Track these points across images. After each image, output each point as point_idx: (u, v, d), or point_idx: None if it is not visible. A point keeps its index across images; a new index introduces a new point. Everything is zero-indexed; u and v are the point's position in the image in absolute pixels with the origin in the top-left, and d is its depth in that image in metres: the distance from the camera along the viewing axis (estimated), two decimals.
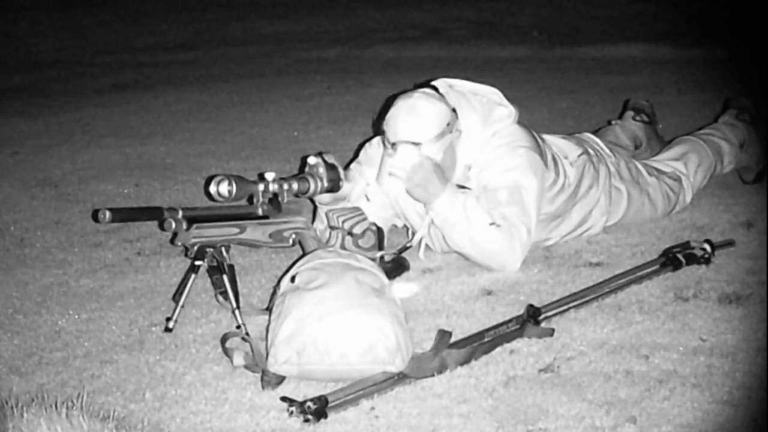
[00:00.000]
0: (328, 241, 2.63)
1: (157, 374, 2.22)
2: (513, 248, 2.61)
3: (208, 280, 2.50)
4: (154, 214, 2.33)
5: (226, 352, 2.23)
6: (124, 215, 2.32)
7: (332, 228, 2.64)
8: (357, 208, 2.71)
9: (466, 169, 2.69)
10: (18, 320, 2.57)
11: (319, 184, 2.57)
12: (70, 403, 1.95)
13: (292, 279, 2.25)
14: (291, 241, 2.52)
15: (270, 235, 2.48)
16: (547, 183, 2.72)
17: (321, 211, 2.72)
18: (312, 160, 2.58)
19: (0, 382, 2.22)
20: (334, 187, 2.59)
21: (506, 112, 2.72)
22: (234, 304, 2.37)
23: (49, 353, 2.37)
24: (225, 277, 2.38)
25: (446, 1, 7.50)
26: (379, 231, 2.71)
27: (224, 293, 2.39)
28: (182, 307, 2.42)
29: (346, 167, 2.97)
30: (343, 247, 2.61)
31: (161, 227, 2.37)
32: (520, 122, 2.75)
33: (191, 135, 4.36)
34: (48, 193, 3.61)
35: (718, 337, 2.23)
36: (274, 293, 2.41)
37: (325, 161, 2.58)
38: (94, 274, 2.87)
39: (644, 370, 2.10)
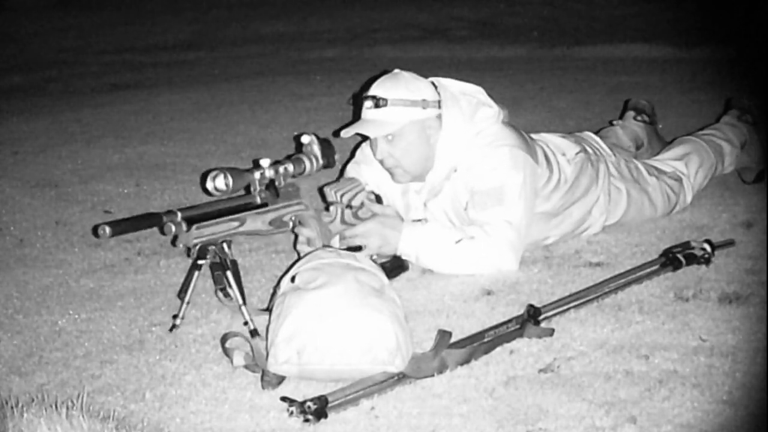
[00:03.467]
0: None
1: (157, 374, 2.22)
2: (498, 251, 2.61)
3: (209, 279, 2.50)
4: (153, 221, 2.30)
5: (226, 352, 2.23)
6: (124, 227, 2.26)
7: (330, 203, 2.63)
8: (353, 179, 2.70)
9: (451, 170, 2.68)
10: (18, 320, 2.57)
11: (314, 162, 2.56)
12: (70, 403, 1.94)
13: (292, 279, 2.25)
14: (291, 224, 2.52)
15: (270, 223, 2.47)
16: (541, 181, 2.72)
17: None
18: (305, 138, 2.57)
19: (0, 382, 2.22)
20: (330, 162, 2.59)
21: (491, 112, 2.72)
22: (240, 301, 2.37)
23: (49, 353, 2.37)
24: (229, 273, 2.38)
25: (446, 1, 7.51)
26: (378, 199, 2.72)
27: (224, 290, 2.39)
28: (188, 303, 2.43)
29: (344, 167, 2.98)
30: (343, 221, 2.61)
31: (162, 232, 2.35)
32: (506, 122, 2.75)
33: (191, 135, 4.36)
34: (48, 193, 3.61)
35: (718, 337, 2.23)
36: (274, 293, 2.42)
37: (318, 138, 2.57)
38: (94, 274, 2.87)
39: (644, 370, 2.10)
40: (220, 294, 2.42)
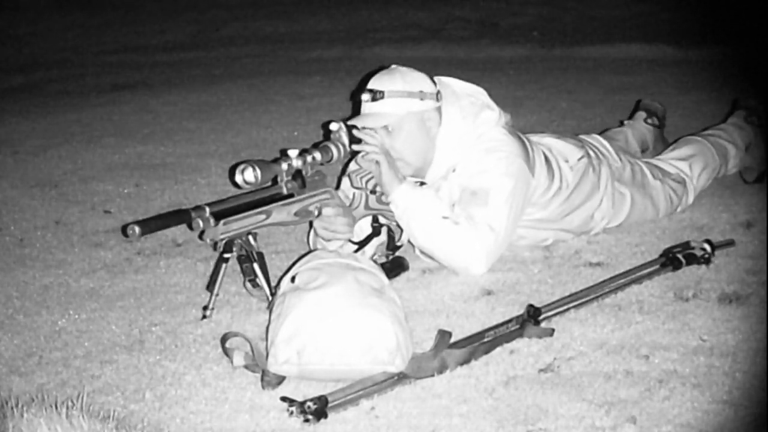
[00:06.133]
0: (351, 203, 2.62)
1: (157, 374, 2.22)
2: (472, 247, 2.58)
3: (208, 281, 2.51)
4: (182, 217, 2.29)
5: (226, 352, 2.23)
6: (153, 226, 2.25)
7: (356, 189, 2.64)
8: None
9: (449, 170, 2.68)
10: (18, 320, 2.57)
11: (342, 149, 2.56)
12: (70, 403, 1.95)
13: (292, 279, 2.25)
14: (316, 212, 2.53)
15: (296, 214, 2.48)
16: (538, 191, 2.71)
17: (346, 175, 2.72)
18: (334, 126, 2.58)
19: (0, 382, 2.22)
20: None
21: (493, 115, 2.71)
22: (269, 292, 2.40)
23: (49, 353, 2.37)
24: (256, 266, 2.41)
25: (446, 1, 7.50)
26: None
27: (253, 281, 2.44)
28: (217, 295, 2.47)
29: (345, 167, 2.97)
30: (367, 206, 2.61)
31: (190, 228, 2.35)
32: (509, 127, 2.74)
33: (191, 135, 4.36)
34: (48, 193, 3.61)
35: (718, 337, 2.23)
36: (274, 293, 2.42)
37: (346, 125, 2.57)
38: (94, 274, 2.87)
39: (644, 370, 2.10)
40: (249, 285, 2.46)
